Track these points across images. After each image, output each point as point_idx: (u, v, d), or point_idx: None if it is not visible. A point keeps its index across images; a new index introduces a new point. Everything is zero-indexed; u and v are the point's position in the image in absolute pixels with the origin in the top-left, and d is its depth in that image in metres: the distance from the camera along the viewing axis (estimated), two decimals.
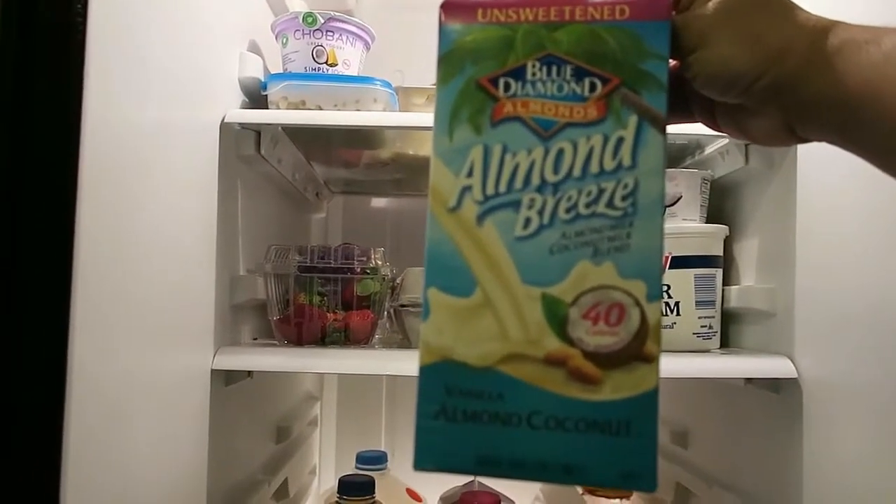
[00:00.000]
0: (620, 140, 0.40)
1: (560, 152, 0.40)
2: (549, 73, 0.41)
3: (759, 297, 1.00)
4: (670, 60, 0.42)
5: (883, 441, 0.73)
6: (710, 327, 1.02)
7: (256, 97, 1.03)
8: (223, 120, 0.93)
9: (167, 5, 0.76)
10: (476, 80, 0.41)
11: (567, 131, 0.40)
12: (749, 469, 1.02)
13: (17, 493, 0.53)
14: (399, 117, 1.01)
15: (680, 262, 1.02)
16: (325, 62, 1.02)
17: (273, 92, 1.00)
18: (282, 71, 1.06)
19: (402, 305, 1.05)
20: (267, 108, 1.01)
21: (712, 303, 1.03)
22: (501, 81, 0.41)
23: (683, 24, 0.44)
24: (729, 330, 1.09)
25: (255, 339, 1.11)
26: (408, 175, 1.25)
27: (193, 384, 0.85)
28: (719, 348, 1.04)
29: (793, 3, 0.44)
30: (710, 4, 0.44)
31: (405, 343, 1.08)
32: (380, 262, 1.03)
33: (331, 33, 1.02)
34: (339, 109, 0.98)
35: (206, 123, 0.90)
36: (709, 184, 1.09)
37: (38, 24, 0.56)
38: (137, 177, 0.68)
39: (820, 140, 0.46)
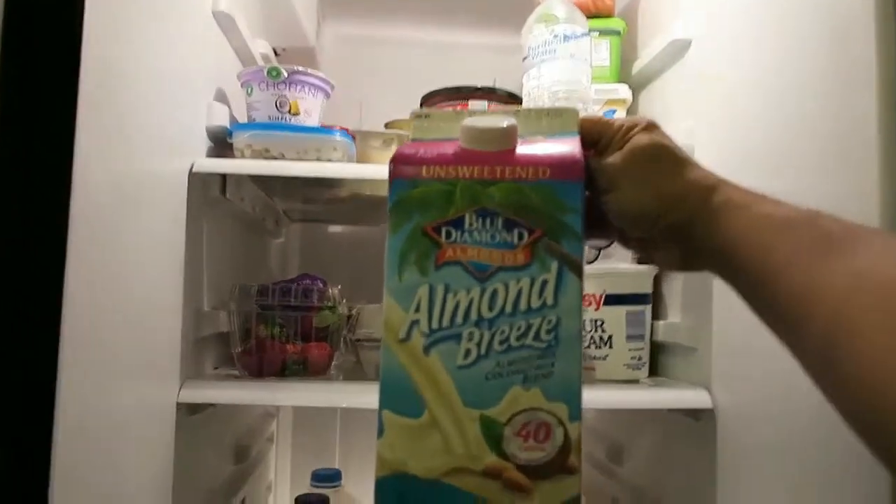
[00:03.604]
0: (545, 283, 0.47)
1: (494, 292, 0.48)
2: (483, 224, 0.48)
3: (682, 332, 1.09)
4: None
5: (787, 468, 0.81)
6: (640, 358, 1.11)
7: (222, 143, 1.08)
8: (191, 169, 0.98)
9: (149, 67, 0.82)
10: (422, 228, 0.49)
11: (500, 274, 0.48)
12: (673, 489, 1.11)
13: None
14: (358, 169, 1.07)
15: (613, 300, 1.11)
16: (288, 111, 1.08)
17: (238, 140, 1.05)
18: (246, 117, 1.11)
19: (358, 340, 1.12)
20: (232, 152, 1.06)
21: (642, 336, 1.12)
22: (444, 229, 0.49)
23: (598, 169, 0.53)
24: (659, 360, 1.18)
25: (216, 368, 1.17)
26: (364, 209, 1.31)
27: (160, 415, 0.91)
28: (648, 377, 1.13)
29: (686, 158, 0.53)
30: (619, 155, 0.52)
31: (359, 369, 1.15)
32: (336, 299, 1.10)
33: (294, 85, 1.08)
34: (300, 158, 1.04)
35: (176, 171, 0.95)
36: None
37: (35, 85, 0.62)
38: (113, 225, 0.73)
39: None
